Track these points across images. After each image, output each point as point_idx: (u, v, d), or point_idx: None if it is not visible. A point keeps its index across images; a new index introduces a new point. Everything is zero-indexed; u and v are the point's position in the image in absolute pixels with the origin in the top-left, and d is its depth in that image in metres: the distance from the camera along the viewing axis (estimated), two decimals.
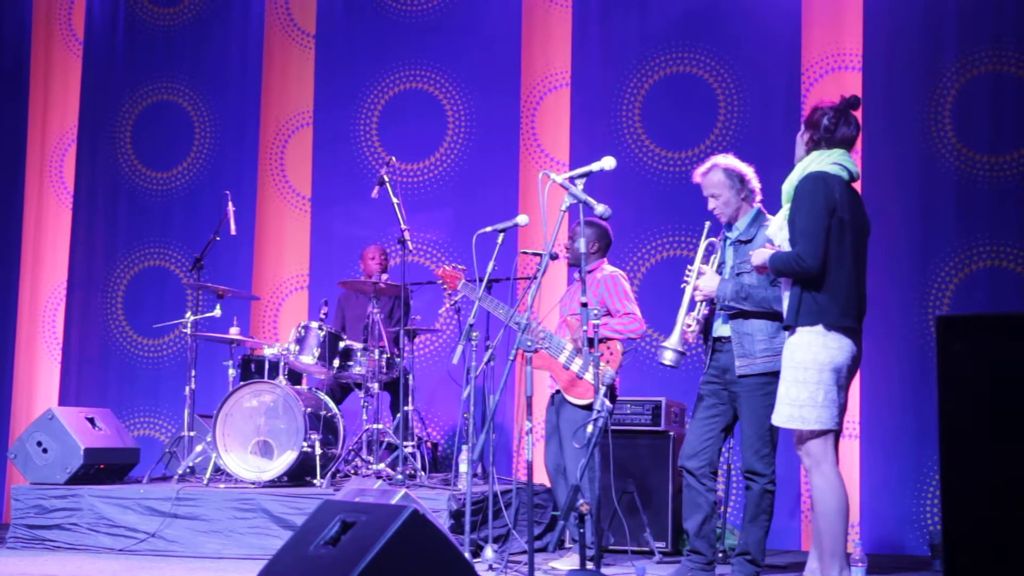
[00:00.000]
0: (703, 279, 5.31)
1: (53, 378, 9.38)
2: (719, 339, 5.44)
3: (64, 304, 9.41)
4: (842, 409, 4.64)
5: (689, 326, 5.32)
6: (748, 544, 5.39)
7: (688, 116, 8.12)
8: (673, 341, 5.28)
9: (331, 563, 3.83)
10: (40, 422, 7.32)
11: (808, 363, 4.52)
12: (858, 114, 4.75)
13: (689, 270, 5.40)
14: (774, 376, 5.22)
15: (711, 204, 5.51)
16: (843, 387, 4.61)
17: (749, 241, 5.39)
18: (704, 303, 5.33)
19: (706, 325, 5.47)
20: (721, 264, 5.49)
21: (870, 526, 7.29)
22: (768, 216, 5.48)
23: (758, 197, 5.51)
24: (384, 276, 7.89)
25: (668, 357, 5.30)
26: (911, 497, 7.24)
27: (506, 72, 8.62)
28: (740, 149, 7.72)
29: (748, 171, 5.49)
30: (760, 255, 4.80)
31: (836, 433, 4.65)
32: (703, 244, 5.44)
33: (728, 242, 5.50)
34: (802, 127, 4.79)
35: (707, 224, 5.48)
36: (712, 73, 8.12)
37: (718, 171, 5.47)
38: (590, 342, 5.02)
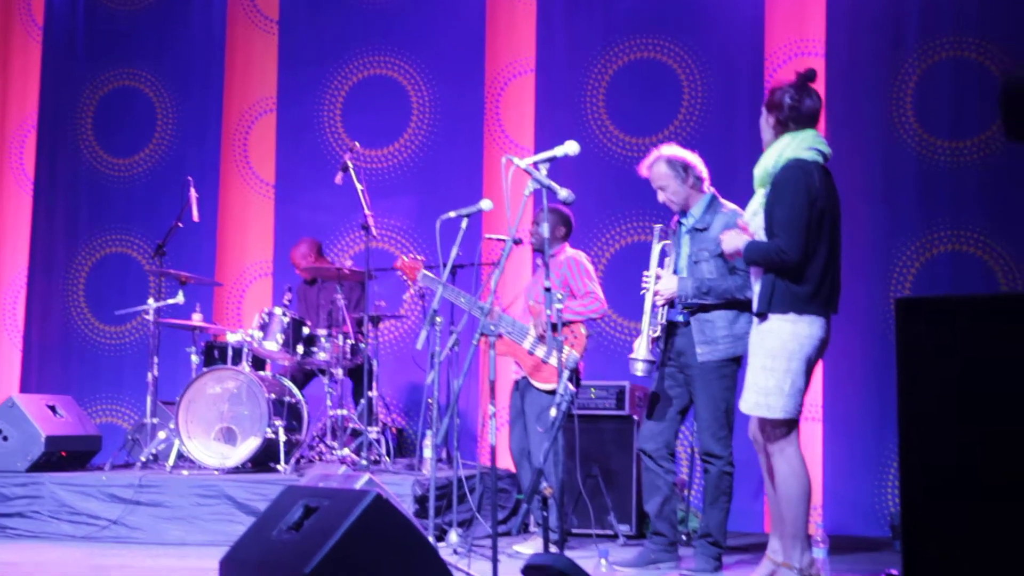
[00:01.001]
0: (661, 283, 5.31)
1: (14, 366, 9.31)
2: (674, 323, 5.48)
3: (25, 291, 9.33)
4: (805, 393, 4.65)
5: (655, 332, 5.31)
6: (709, 526, 5.44)
7: (652, 102, 8.13)
8: (641, 351, 5.27)
9: (294, 548, 3.82)
10: (0, 410, 7.26)
11: (777, 351, 4.50)
12: (816, 87, 4.71)
13: (646, 276, 5.39)
14: (732, 361, 5.27)
15: (660, 197, 5.55)
16: (809, 373, 4.61)
17: (705, 229, 5.41)
18: (665, 306, 5.32)
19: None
20: (677, 254, 5.51)
21: (832, 508, 7.35)
22: (723, 202, 5.51)
23: (706, 183, 5.53)
24: (348, 262, 7.86)
25: (640, 368, 5.29)
26: (872, 479, 7.31)
27: (471, 59, 8.60)
28: (704, 135, 7.79)
29: (693, 159, 5.51)
30: (731, 241, 4.73)
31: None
32: (656, 248, 5.44)
33: (684, 230, 5.53)
34: (764, 111, 4.74)
35: (657, 227, 5.48)
36: (676, 59, 8.13)
37: (661, 163, 5.50)
38: (553, 327, 5.03)
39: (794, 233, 4.48)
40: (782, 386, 4.50)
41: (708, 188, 5.54)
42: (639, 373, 5.30)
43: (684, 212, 5.52)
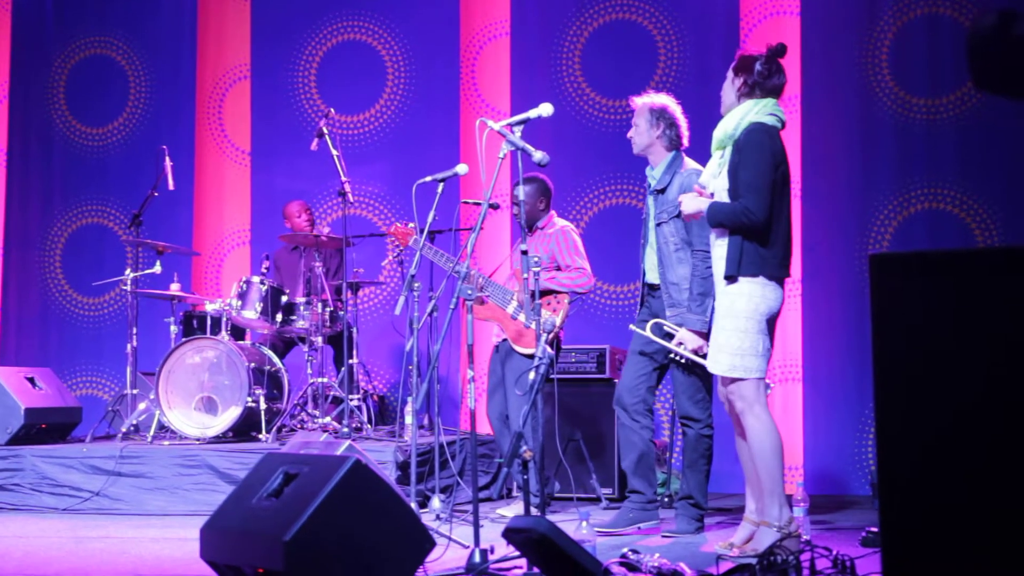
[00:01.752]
0: (685, 341, 5.27)
1: None
2: (651, 285, 5.51)
3: (1, 263, 9.27)
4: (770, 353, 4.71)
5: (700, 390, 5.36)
6: (690, 488, 5.47)
7: (628, 63, 8.10)
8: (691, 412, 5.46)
9: (274, 515, 3.81)
10: None
11: (750, 313, 4.54)
12: (785, 62, 4.74)
13: (671, 347, 5.37)
14: None
15: (631, 131, 5.56)
16: (772, 335, 4.67)
17: (663, 190, 5.43)
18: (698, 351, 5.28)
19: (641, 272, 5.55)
20: (646, 217, 5.54)
21: (812, 467, 7.39)
22: (686, 161, 5.51)
23: (681, 144, 5.52)
24: (326, 229, 7.82)
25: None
26: (852, 437, 7.35)
27: (445, 22, 8.55)
28: (679, 95, 7.66)
29: (676, 117, 5.54)
30: (691, 203, 4.71)
31: None
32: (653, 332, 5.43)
33: (648, 191, 5.56)
34: (730, 74, 4.74)
35: (650, 324, 5.43)
36: (652, 20, 8.10)
37: (647, 105, 5.56)
38: (532, 293, 5.01)
39: (760, 194, 4.52)
40: (756, 347, 4.55)
41: (677, 148, 5.52)
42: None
43: (648, 164, 5.54)
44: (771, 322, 4.63)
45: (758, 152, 4.55)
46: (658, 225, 5.44)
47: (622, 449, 5.66)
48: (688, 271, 5.33)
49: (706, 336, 5.16)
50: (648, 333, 5.40)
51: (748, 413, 4.59)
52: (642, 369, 5.56)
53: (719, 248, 4.62)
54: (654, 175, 5.54)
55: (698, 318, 5.24)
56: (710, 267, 5.12)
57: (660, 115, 5.51)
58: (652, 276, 5.54)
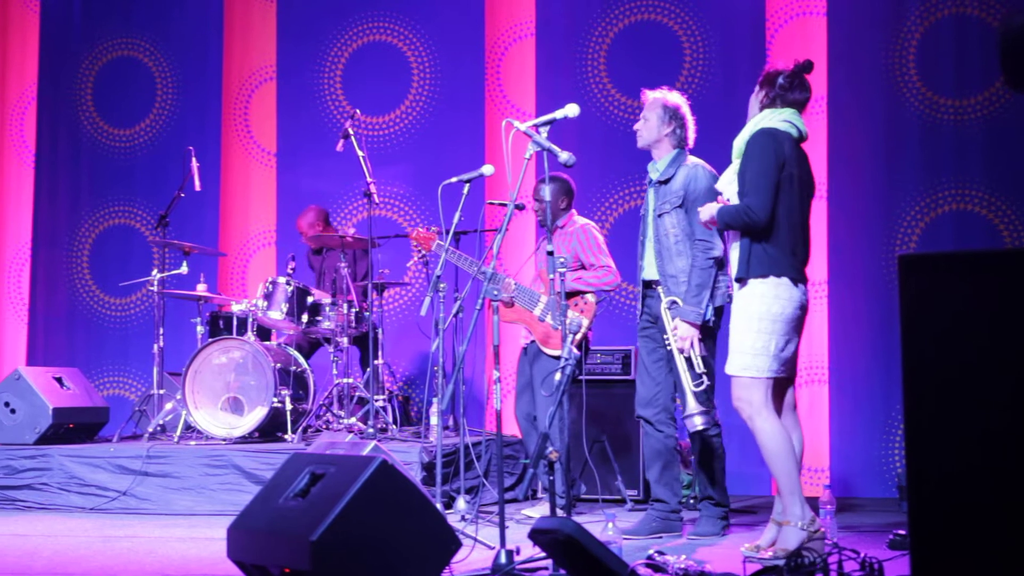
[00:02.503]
0: (678, 331, 5.23)
1: (20, 338, 9.32)
2: (648, 283, 5.47)
3: (29, 264, 9.33)
4: (795, 356, 4.68)
5: (699, 385, 5.19)
6: (708, 488, 5.45)
7: (653, 64, 8.08)
8: (691, 406, 5.11)
9: (301, 515, 3.83)
10: (7, 382, 7.28)
11: (763, 314, 4.57)
12: (811, 78, 4.79)
13: (665, 339, 5.31)
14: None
15: (637, 124, 5.54)
16: (794, 336, 4.63)
17: (667, 181, 5.41)
18: (693, 348, 5.21)
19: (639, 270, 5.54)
20: (646, 211, 5.54)
21: (838, 469, 7.36)
22: (690, 158, 5.49)
23: (684, 144, 5.51)
24: (351, 230, 7.84)
25: (698, 422, 5.08)
26: (879, 440, 7.31)
27: (471, 23, 8.55)
28: (705, 97, 7.75)
29: (686, 117, 5.53)
30: (707, 211, 4.78)
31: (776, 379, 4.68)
32: (664, 305, 5.36)
33: (649, 184, 5.54)
34: (757, 87, 4.83)
35: (664, 297, 5.36)
36: (677, 20, 8.09)
37: (659, 101, 5.54)
38: (557, 293, 5.00)
39: (761, 192, 4.57)
40: (768, 346, 4.56)
41: (682, 148, 5.51)
42: (698, 428, 5.13)
43: (652, 159, 5.54)
44: (793, 322, 4.60)
45: (759, 153, 4.62)
46: (659, 216, 5.43)
47: (646, 458, 5.63)
48: (687, 264, 5.30)
49: (703, 330, 5.15)
50: (665, 314, 5.32)
51: (756, 417, 4.60)
52: (658, 377, 5.51)
53: (733, 251, 4.69)
54: (657, 168, 5.52)
55: (692, 310, 5.18)
56: (711, 258, 5.16)
57: (673, 114, 5.50)
58: (650, 272, 5.47)
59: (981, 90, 7.34)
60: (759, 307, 4.57)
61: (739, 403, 4.64)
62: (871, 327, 7.38)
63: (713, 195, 5.23)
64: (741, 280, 4.64)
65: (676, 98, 5.57)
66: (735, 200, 4.69)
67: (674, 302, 5.28)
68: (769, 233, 4.58)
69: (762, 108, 4.78)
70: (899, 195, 7.45)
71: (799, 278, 4.64)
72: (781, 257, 4.59)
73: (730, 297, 5.17)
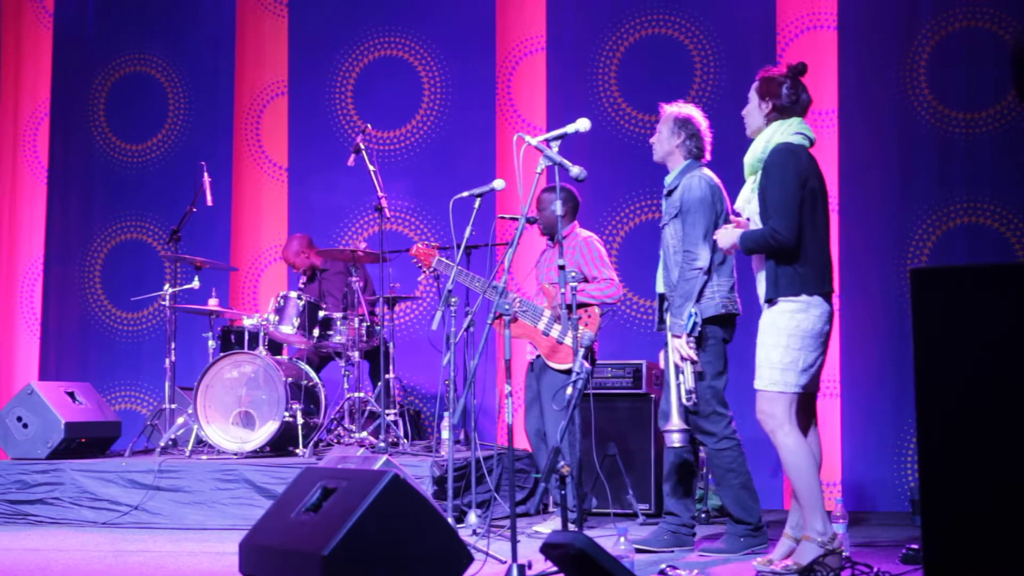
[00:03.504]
0: (676, 348, 5.17)
1: (32, 353, 9.35)
2: (664, 296, 5.46)
3: (42, 279, 9.37)
4: (820, 370, 4.65)
5: (688, 400, 5.19)
6: (727, 505, 5.40)
7: (664, 78, 8.09)
8: (675, 421, 5.12)
9: (313, 529, 3.83)
10: (20, 397, 7.30)
11: (792, 330, 4.52)
12: (823, 76, 4.78)
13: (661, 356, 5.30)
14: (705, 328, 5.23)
15: (652, 137, 5.56)
16: (821, 351, 4.62)
17: (671, 193, 5.42)
18: (688, 363, 5.20)
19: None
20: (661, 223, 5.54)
21: (850, 482, 7.34)
22: (702, 169, 5.46)
23: (700, 156, 5.49)
24: (363, 244, 7.85)
25: (676, 439, 5.12)
26: (892, 453, 7.29)
27: (481, 37, 8.58)
28: (716, 111, 7.71)
29: (699, 127, 5.51)
30: (727, 237, 4.73)
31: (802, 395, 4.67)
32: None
33: (664, 194, 5.54)
34: (755, 98, 4.78)
35: (694, 313, 5.33)
36: (687, 35, 8.10)
37: (672, 114, 5.54)
38: (568, 307, 5.00)
39: (787, 214, 4.53)
40: (796, 362, 4.53)
41: (697, 159, 5.50)
42: (676, 445, 5.15)
43: (666, 169, 5.55)
44: (820, 337, 4.57)
45: (781, 173, 4.57)
46: (663, 228, 5.44)
47: (664, 471, 5.59)
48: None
49: (697, 341, 5.15)
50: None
51: (778, 431, 4.57)
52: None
53: (760, 275, 4.65)
54: (667, 180, 5.53)
55: (676, 321, 5.17)
56: (695, 269, 5.17)
57: (683, 125, 5.49)
58: (660, 285, 5.49)
59: (993, 103, 7.33)
60: (788, 323, 4.53)
61: (762, 416, 4.62)
62: (882, 340, 7.36)
63: (707, 205, 5.24)
64: (771, 301, 4.60)
65: (689, 109, 5.56)
66: (756, 220, 4.65)
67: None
68: (797, 252, 4.54)
69: (767, 120, 4.74)
70: (910, 208, 7.44)
71: (826, 292, 4.60)
72: (810, 275, 4.55)
73: (725, 307, 5.21)
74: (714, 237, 4.96)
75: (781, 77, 4.73)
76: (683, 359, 5.15)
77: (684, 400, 5.14)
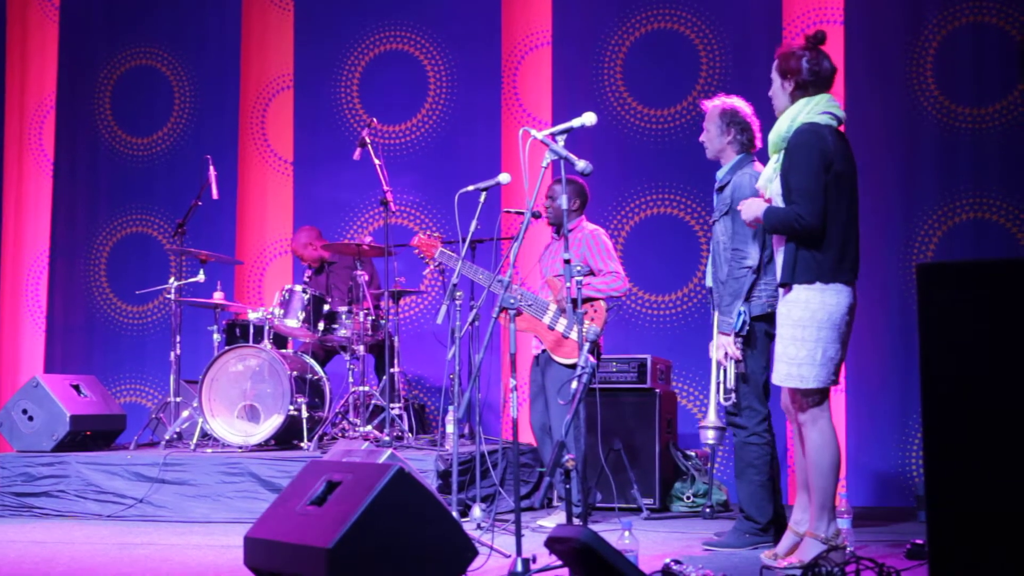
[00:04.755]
0: (721, 346, 5.16)
1: (38, 346, 9.36)
2: (710, 288, 5.46)
3: (47, 272, 9.38)
4: (840, 362, 4.59)
5: (727, 399, 5.16)
6: (740, 499, 5.38)
7: (670, 73, 8.09)
8: (711, 418, 5.10)
9: (318, 522, 3.83)
10: (25, 390, 7.31)
11: (806, 321, 4.45)
12: (835, 55, 4.66)
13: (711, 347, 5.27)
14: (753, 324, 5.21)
15: (702, 135, 5.53)
16: (843, 341, 4.55)
17: (723, 188, 5.38)
18: (732, 361, 5.17)
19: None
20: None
21: (856, 478, 7.33)
22: (754, 165, 5.43)
23: (751, 148, 5.47)
24: (368, 239, 7.86)
25: (710, 436, 5.09)
26: (897, 449, 7.29)
27: (487, 32, 8.57)
28: None
29: (748, 119, 5.47)
30: (751, 209, 4.67)
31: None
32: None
33: (716, 189, 5.51)
34: (777, 77, 4.66)
35: (743, 312, 5.30)
36: (693, 29, 8.08)
37: (717, 108, 5.51)
38: (573, 301, 4.99)
39: (812, 198, 4.43)
40: (813, 355, 4.45)
41: (748, 151, 5.47)
42: (710, 442, 5.13)
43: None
44: (839, 328, 4.48)
45: (806, 154, 4.47)
46: (714, 223, 5.41)
47: (736, 469, 5.48)
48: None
49: (743, 338, 5.13)
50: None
51: (810, 425, 4.52)
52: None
53: (779, 255, 4.58)
54: (719, 174, 5.50)
55: (724, 319, 5.16)
56: (744, 268, 5.08)
57: (731, 119, 5.45)
58: (709, 279, 5.46)
59: (999, 99, 7.32)
60: (802, 314, 4.45)
61: (787, 411, 4.60)
62: (887, 336, 7.35)
63: None
64: (786, 285, 4.53)
65: (733, 101, 5.52)
66: (777, 199, 4.57)
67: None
68: (816, 237, 4.45)
69: (792, 98, 4.61)
70: (916, 204, 7.43)
71: (849, 280, 4.52)
72: (829, 262, 4.45)
73: (771, 306, 5.09)
74: (738, 208, 4.89)
75: (800, 50, 4.60)
76: (727, 357, 5.13)
77: (723, 400, 5.12)
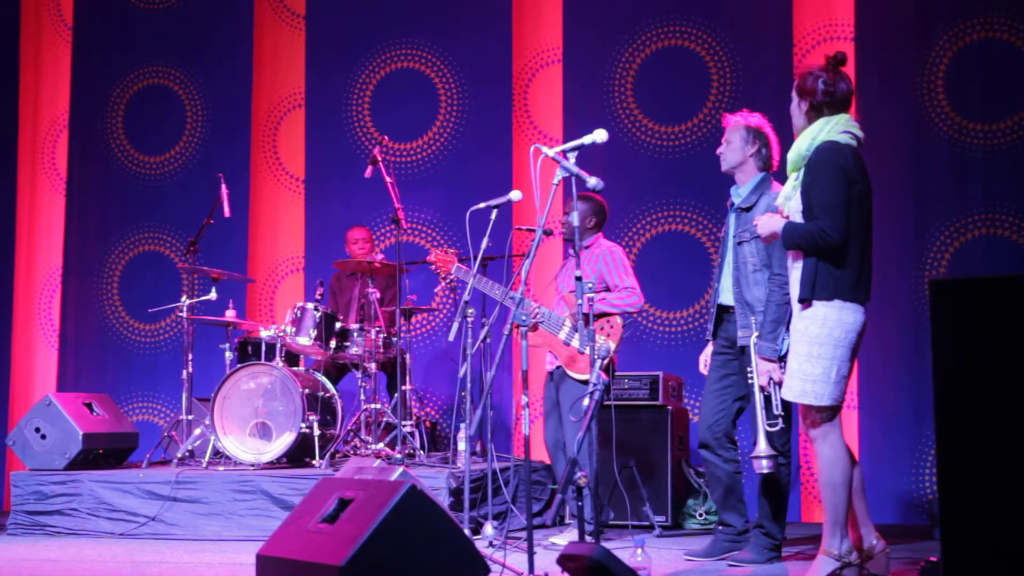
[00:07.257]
0: (765, 372, 5.11)
1: (50, 364, 9.37)
2: (725, 308, 5.43)
3: (60, 290, 9.40)
4: (847, 381, 4.59)
5: (773, 426, 5.11)
6: (760, 517, 5.37)
7: (680, 90, 8.10)
8: (761, 447, 5.06)
9: (330, 540, 3.83)
10: (38, 408, 7.31)
11: (823, 339, 4.44)
12: (847, 71, 4.67)
13: (749, 372, 5.20)
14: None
15: (721, 147, 5.50)
16: (853, 360, 4.56)
17: (749, 208, 5.36)
18: (775, 387, 5.12)
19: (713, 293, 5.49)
20: (726, 235, 5.48)
21: (869, 496, 7.23)
22: (774, 186, 5.42)
23: (770, 166, 5.47)
24: (380, 256, 7.86)
25: (764, 464, 5.06)
26: (910, 467, 7.26)
27: (497, 49, 8.59)
28: None
29: (771, 137, 5.48)
30: (767, 224, 4.67)
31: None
32: (753, 340, 5.21)
33: (731, 209, 5.49)
34: (795, 97, 4.68)
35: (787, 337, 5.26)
36: (704, 46, 8.09)
37: (742, 122, 5.51)
38: (585, 317, 4.98)
39: (834, 213, 4.44)
40: (828, 373, 4.44)
41: (767, 169, 5.47)
42: (764, 470, 5.09)
43: (734, 183, 5.48)
44: (852, 347, 4.49)
45: (828, 171, 4.48)
46: (739, 244, 5.36)
47: (709, 484, 5.59)
48: (764, 293, 5.23)
49: (781, 363, 5.10)
50: (752, 349, 5.18)
51: (822, 441, 4.52)
52: (721, 403, 5.46)
53: (795, 271, 4.56)
54: (739, 193, 5.47)
55: (769, 346, 5.12)
56: (787, 294, 4.94)
57: (757, 134, 5.46)
58: (726, 297, 5.41)
59: (1010, 115, 7.31)
60: (819, 331, 4.44)
61: (806, 427, 4.59)
62: (900, 352, 7.33)
63: None
64: (804, 301, 4.51)
65: (757, 118, 5.53)
66: (795, 216, 4.56)
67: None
68: (838, 254, 4.47)
69: (808, 119, 4.62)
70: (928, 220, 7.42)
71: (864, 300, 4.52)
72: (848, 280, 4.46)
73: None
74: (754, 223, 4.88)
75: (818, 71, 4.61)
76: (770, 383, 5.10)
77: (768, 427, 5.10)
